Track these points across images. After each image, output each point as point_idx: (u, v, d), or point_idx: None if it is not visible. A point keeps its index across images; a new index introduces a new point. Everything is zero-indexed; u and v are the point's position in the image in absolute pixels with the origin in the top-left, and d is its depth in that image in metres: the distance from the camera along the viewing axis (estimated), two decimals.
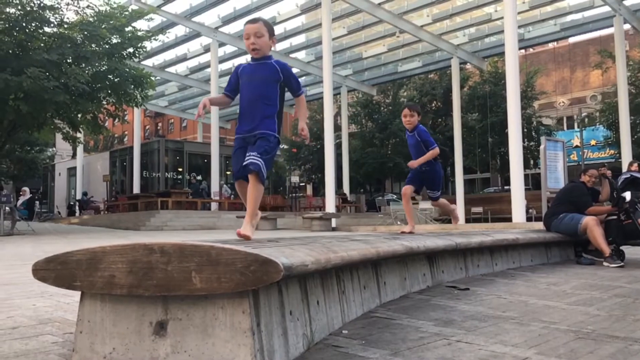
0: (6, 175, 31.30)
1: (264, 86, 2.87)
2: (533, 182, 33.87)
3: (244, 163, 2.75)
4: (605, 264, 5.33)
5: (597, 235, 5.48)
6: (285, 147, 41.34)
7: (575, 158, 33.97)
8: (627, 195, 5.43)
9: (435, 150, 4.55)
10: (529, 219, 16.44)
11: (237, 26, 25.11)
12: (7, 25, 14.15)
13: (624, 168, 13.12)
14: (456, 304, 3.02)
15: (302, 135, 3.01)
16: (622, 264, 5.27)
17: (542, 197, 13.81)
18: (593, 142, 34.74)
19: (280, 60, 2.98)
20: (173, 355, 1.77)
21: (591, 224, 5.54)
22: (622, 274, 4.73)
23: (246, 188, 2.84)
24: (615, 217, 5.59)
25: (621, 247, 5.61)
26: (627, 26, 22.08)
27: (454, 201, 24.55)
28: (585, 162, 29.11)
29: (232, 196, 24.34)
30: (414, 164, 4.55)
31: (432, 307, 2.92)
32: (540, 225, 7.00)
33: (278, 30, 25.48)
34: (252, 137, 2.83)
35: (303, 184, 41.20)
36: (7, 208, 14.12)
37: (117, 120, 18.18)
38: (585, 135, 32.44)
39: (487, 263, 4.57)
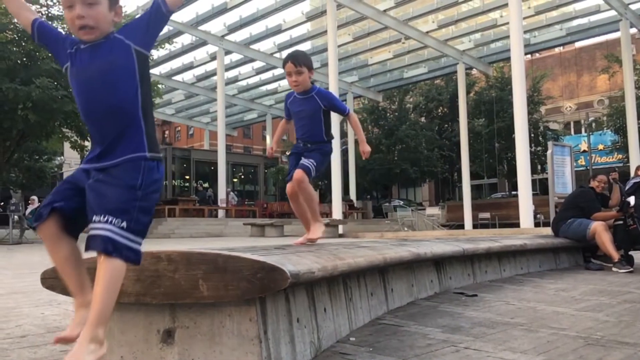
0: (15, 184, 31.44)
1: (109, 83, 1.64)
2: (541, 187, 33.71)
3: (89, 233, 1.51)
4: (614, 269, 5.28)
5: (606, 240, 5.44)
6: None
7: (583, 163, 33.81)
8: (632, 200, 5.39)
9: (355, 116, 3.36)
10: (536, 225, 16.37)
11: (243, 34, 25.26)
12: (15, 36, 14.31)
13: (632, 172, 13.04)
14: (464, 311, 3.00)
15: None
16: (631, 269, 5.22)
17: (550, 203, 13.72)
18: (601, 147, 34.54)
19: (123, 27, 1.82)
20: None
21: (600, 229, 5.50)
22: (632, 279, 4.69)
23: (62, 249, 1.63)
24: (621, 222, 5.55)
25: (630, 252, 5.56)
26: (633, 30, 22.01)
27: (461, 207, 24.50)
28: (593, 167, 28.98)
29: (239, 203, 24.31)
30: (367, 149, 3.23)
31: (439, 313, 2.91)
32: (548, 230, 6.97)
33: (284, 37, 25.64)
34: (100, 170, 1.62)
35: None
36: (15, 217, 14.23)
37: None
38: (593, 139, 32.27)
39: (495, 269, 4.55)
